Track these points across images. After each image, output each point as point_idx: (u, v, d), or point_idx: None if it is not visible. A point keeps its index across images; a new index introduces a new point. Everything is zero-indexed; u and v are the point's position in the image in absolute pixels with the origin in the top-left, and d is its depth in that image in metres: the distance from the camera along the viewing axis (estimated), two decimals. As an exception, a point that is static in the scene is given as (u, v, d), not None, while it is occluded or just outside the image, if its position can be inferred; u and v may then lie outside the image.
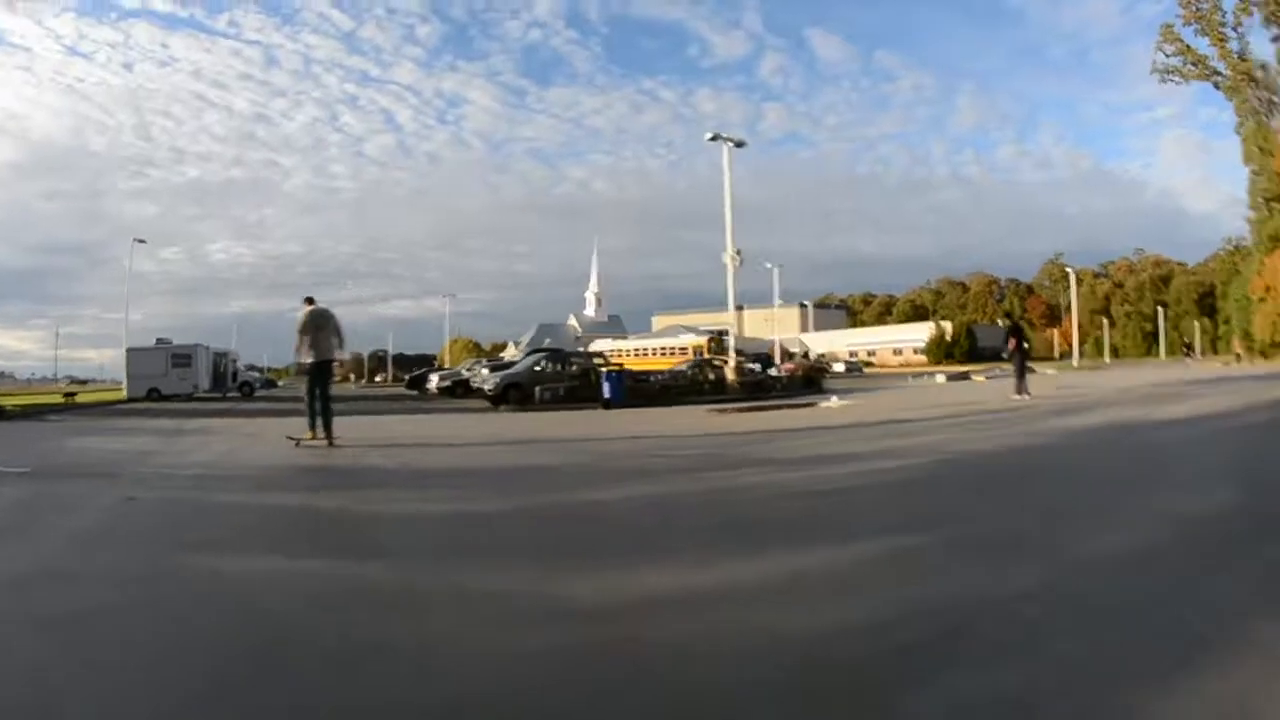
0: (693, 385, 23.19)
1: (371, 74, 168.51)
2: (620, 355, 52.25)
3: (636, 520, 4.84)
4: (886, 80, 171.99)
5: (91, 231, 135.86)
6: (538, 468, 8.05)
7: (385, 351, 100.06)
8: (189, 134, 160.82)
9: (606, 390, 19.29)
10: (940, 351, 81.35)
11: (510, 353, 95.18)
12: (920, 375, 44.68)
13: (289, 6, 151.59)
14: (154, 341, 37.88)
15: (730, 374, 24.65)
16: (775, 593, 3.06)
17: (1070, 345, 73.50)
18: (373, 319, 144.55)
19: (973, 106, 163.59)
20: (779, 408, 16.88)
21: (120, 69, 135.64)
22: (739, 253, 25.79)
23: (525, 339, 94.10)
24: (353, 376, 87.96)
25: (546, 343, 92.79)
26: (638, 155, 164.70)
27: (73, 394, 36.67)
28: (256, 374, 47.45)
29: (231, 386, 38.93)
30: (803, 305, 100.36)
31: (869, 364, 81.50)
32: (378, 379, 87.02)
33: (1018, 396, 15.45)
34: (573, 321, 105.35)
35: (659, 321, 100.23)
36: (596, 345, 60.64)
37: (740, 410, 16.16)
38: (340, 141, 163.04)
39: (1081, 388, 21.06)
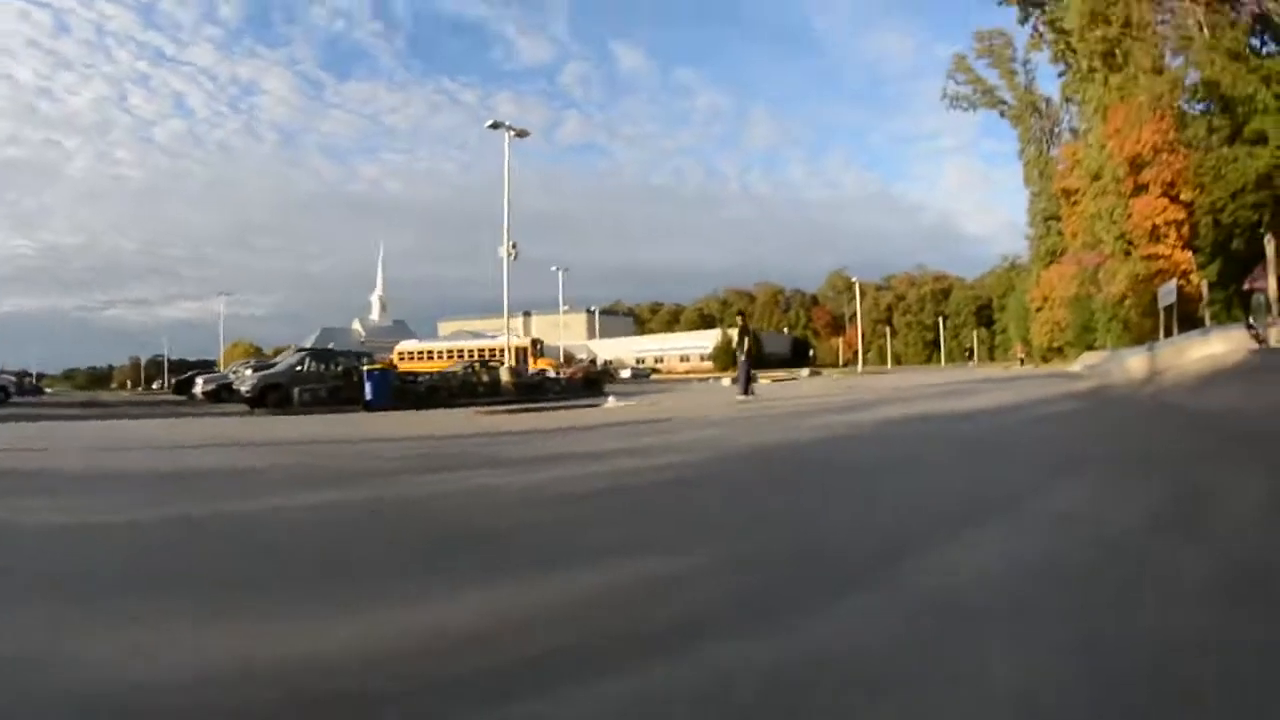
0: (464, 387, 22.47)
1: (167, 52, 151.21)
2: (429, 359, 49.62)
3: (317, 536, 3.95)
4: (685, 96, 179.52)
5: None
6: (231, 471, 7.06)
7: (163, 356, 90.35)
8: None
9: (369, 391, 18.15)
10: (727, 358, 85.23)
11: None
12: (706, 379, 46.58)
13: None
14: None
15: (505, 375, 24.18)
16: (481, 642, 2.20)
17: (855, 353, 79.58)
18: (156, 321, 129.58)
19: (767, 127, 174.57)
20: (551, 409, 16.63)
21: None
22: (515, 246, 25.42)
23: (307, 343, 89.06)
24: (129, 383, 78.50)
25: (330, 346, 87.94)
26: (433, 156, 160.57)
27: None
28: (11, 378, 40.33)
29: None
30: (590, 311, 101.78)
31: (656, 370, 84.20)
32: (154, 385, 78.26)
33: (744, 398, 16.19)
34: (357, 326, 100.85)
35: (444, 327, 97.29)
36: (405, 346, 56.82)
37: (510, 412, 15.71)
38: (129, 124, 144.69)
39: (872, 387, 22.61)
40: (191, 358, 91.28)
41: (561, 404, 19.02)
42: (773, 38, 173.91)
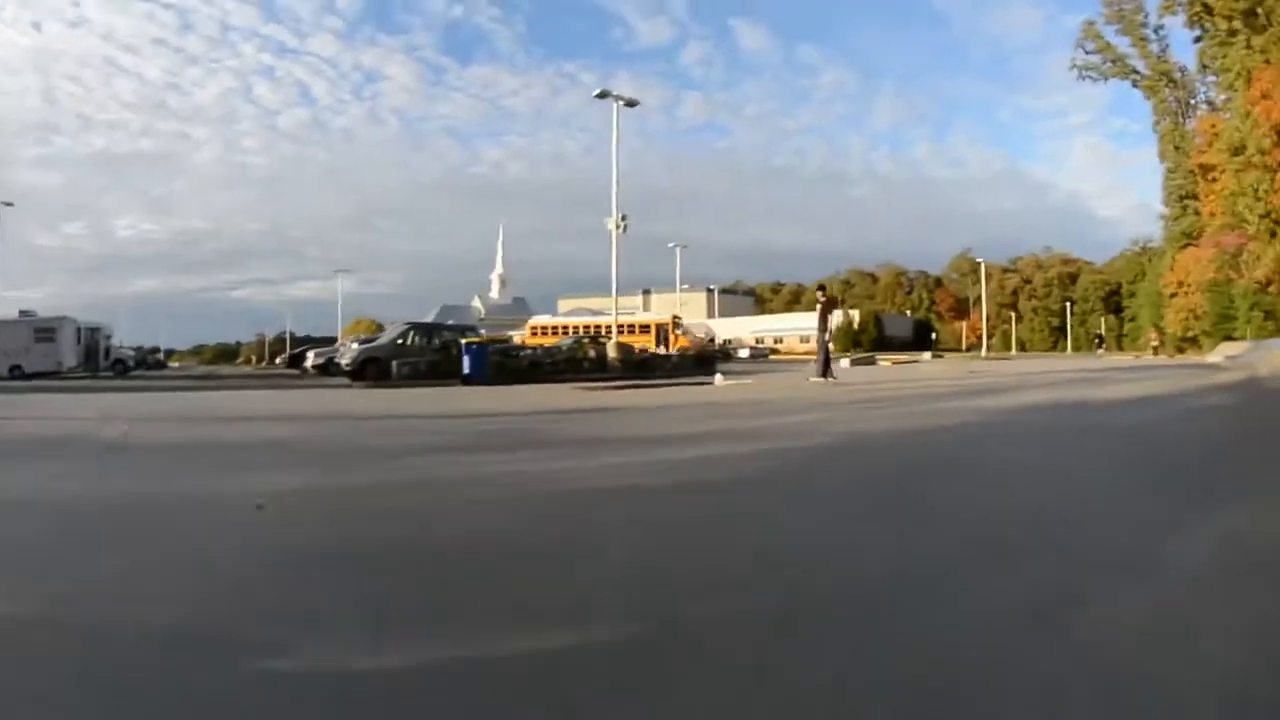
0: (570, 363, 21.64)
1: (289, 44, 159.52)
2: (560, 334, 49.33)
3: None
4: (808, 74, 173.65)
5: None
6: (252, 444, 6.42)
7: (285, 333, 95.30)
8: (98, 101, 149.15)
9: (466, 365, 17.55)
10: (847, 339, 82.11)
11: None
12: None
13: None
14: (16, 313, 33.69)
15: (612, 351, 23.20)
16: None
17: (978, 337, 75.11)
18: (281, 299, 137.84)
19: (891, 104, 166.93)
20: (653, 387, 15.54)
21: (28, 28, 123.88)
22: (624, 219, 24.34)
23: (426, 320, 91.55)
24: (254, 359, 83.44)
25: (449, 324, 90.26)
26: (555, 138, 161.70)
27: None
28: (130, 352, 43.38)
29: (105, 364, 35.33)
30: (709, 290, 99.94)
31: (775, 350, 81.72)
32: (276, 360, 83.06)
33: (820, 379, 14.59)
34: (477, 303, 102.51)
35: (564, 305, 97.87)
36: (538, 320, 56.23)
37: (607, 389, 14.70)
38: (254, 114, 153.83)
39: (995, 372, 20.72)
40: (315, 334, 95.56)
41: (667, 382, 17.83)
42: (895, 12, 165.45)
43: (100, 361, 35.00)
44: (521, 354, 21.22)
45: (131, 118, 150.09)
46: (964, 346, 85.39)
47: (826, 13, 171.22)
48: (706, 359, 29.47)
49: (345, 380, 19.97)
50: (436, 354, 19.68)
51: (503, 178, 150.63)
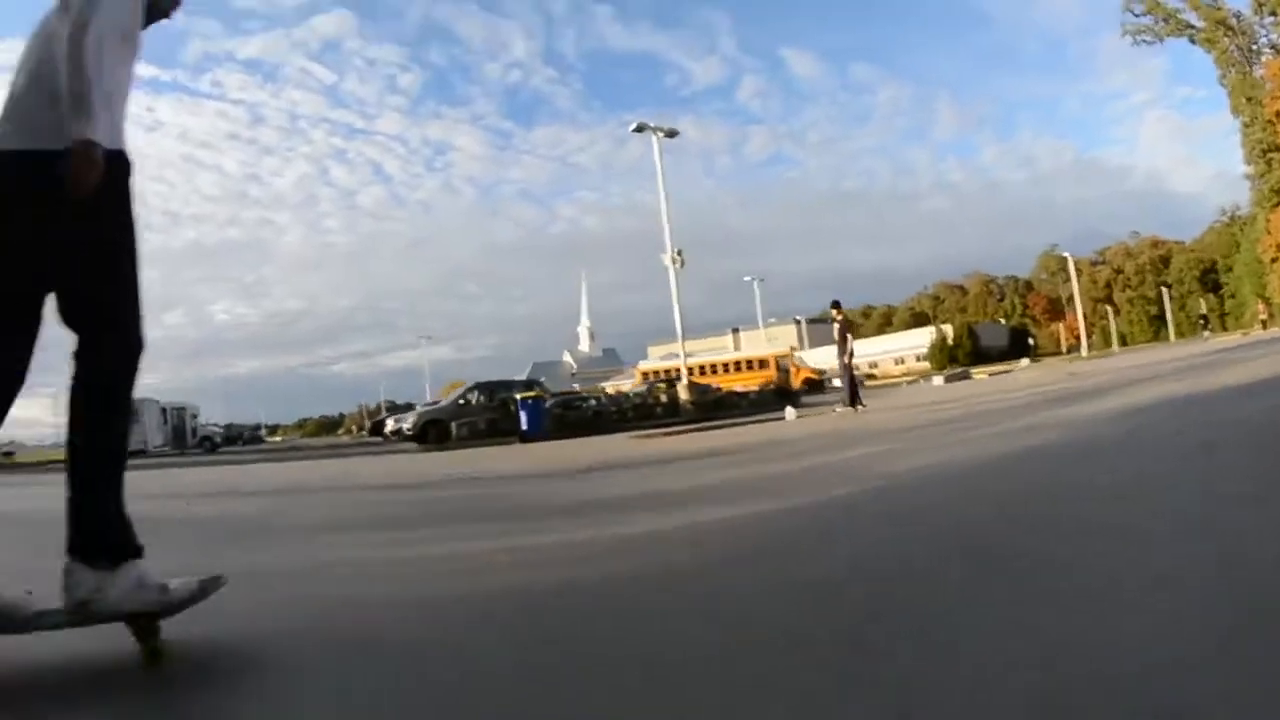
0: (640, 409, 20.65)
1: (357, 126, 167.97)
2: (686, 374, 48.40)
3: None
4: (864, 93, 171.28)
5: None
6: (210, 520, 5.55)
7: (381, 402, 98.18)
8: (182, 196, 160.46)
9: (523, 421, 16.82)
10: (943, 356, 78.24)
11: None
12: (916, 380, 42.08)
13: (269, 64, 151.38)
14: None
15: (683, 393, 22.09)
16: None
17: (1077, 337, 70.48)
18: (378, 370, 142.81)
19: (951, 112, 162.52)
20: (721, 427, 14.32)
21: None
22: (680, 253, 23.40)
23: (515, 379, 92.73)
24: (354, 428, 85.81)
25: (542, 381, 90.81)
26: (625, 189, 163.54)
27: (10, 453, 34.61)
28: (218, 429, 45.31)
29: (192, 442, 36.81)
30: (797, 321, 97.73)
31: (871, 375, 78.61)
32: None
33: (845, 409, 13.42)
34: (567, 358, 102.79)
35: (654, 351, 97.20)
36: (650, 365, 55.12)
37: (671, 434, 13.60)
38: (332, 195, 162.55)
39: (1097, 370, 19.08)
40: (414, 401, 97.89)
41: (735, 421, 16.56)
42: (940, 19, 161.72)
43: (188, 439, 36.37)
44: (586, 404, 20.46)
45: (216, 210, 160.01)
46: (1064, 349, 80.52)
47: (871, 30, 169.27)
48: (789, 392, 28.00)
49: (412, 444, 19.70)
50: (495, 412, 19.14)
51: (578, 232, 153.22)
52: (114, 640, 1.91)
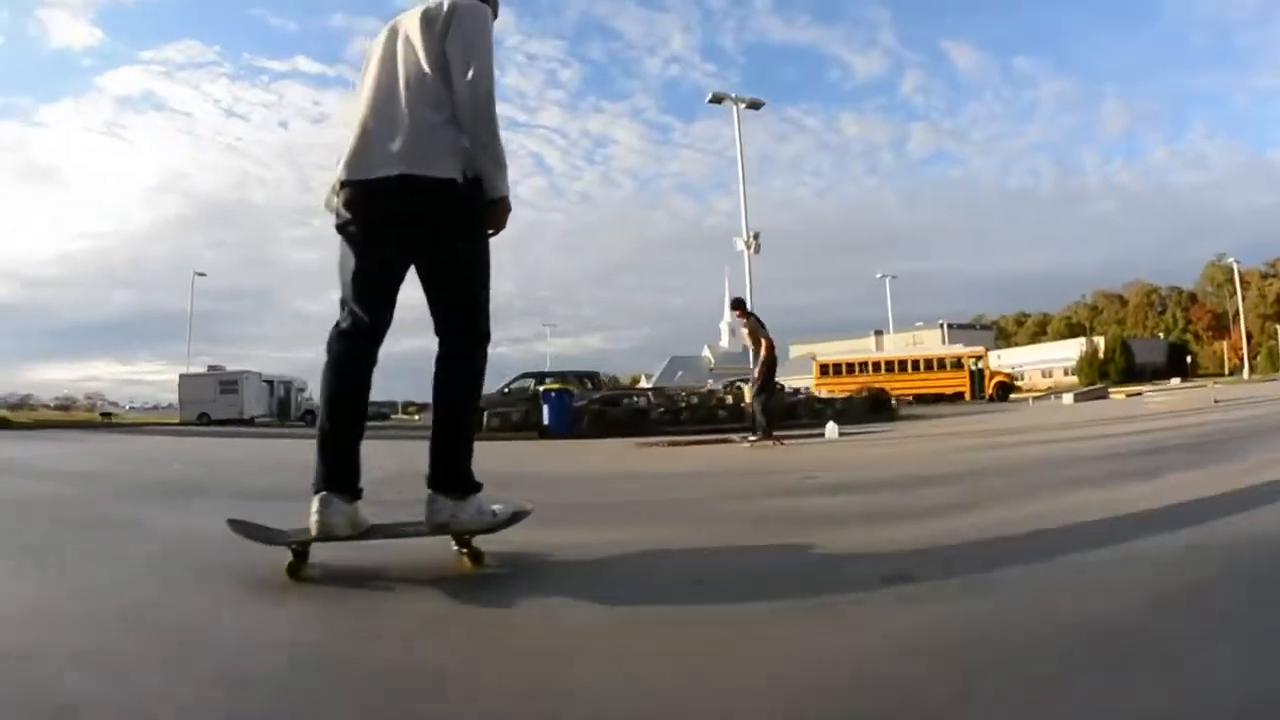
0: (696, 411, 18.92)
1: (519, 119, 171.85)
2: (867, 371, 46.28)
3: None
4: (1028, 87, 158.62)
5: (258, 277, 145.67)
6: None
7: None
8: None
9: (546, 416, 15.67)
10: (1093, 371, 70.65)
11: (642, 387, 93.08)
12: (1048, 396, 37.92)
13: None
14: (206, 368, 37.87)
15: (747, 394, 20.11)
16: None
17: (1240, 358, 61.94)
18: (531, 355, 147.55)
19: (1118, 109, 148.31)
20: (713, 443, 12.23)
21: (276, 127, 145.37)
22: (756, 237, 21.51)
23: (657, 373, 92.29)
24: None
25: (678, 376, 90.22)
26: (785, 185, 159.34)
27: (108, 415, 37.41)
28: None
29: (295, 414, 38.36)
30: (942, 326, 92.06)
31: (1015, 386, 71.76)
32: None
33: (752, 440, 10.52)
34: (706, 353, 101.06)
35: (795, 350, 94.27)
36: (828, 357, 53.46)
37: (676, 444, 11.87)
38: None
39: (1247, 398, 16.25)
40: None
41: (794, 434, 14.33)
42: (1103, 10, 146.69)
43: (291, 411, 37.77)
44: (629, 402, 18.95)
45: None
46: (1226, 369, 70.93)
47: (1032, 18, 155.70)
48: (882, 403, 25.29)
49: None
50: (529, 403, 18.11)
51: (736, 228, 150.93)
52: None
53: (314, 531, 2.46)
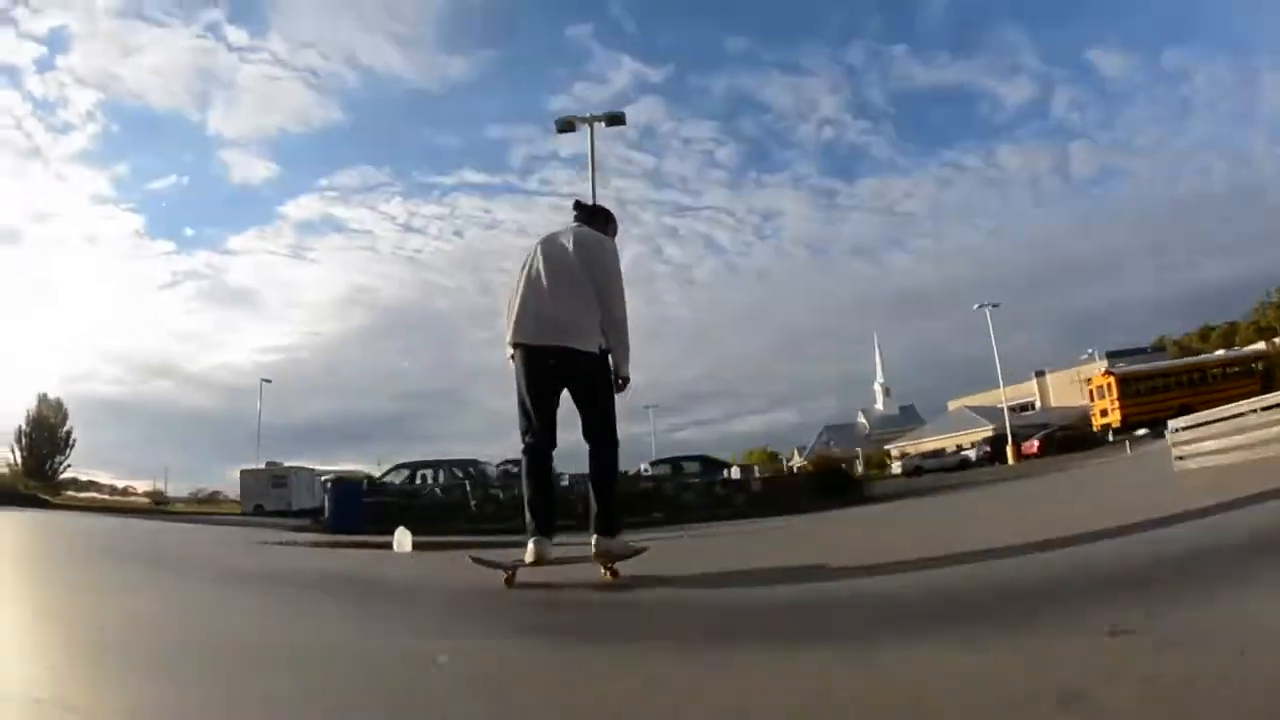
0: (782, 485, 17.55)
1: (684, 203, 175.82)
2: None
3: None
4: (1180, 81, 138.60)
5: (448, 378, 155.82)
6: None
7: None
8: None
9: (327, 509, 15.54)
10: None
11: (796, 461, 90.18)
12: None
13: (588, 157, 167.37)
14: (264, 464, 41.02)
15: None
16: None
17: None
18: (723, 436, 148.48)
19: (1276, 79, 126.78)
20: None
21: (452, 236, 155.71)
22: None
23: (808, 446, 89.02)
24: None
25: (830, 445, 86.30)
26: (957, 231, 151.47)
27: (163, 502, 41.38)
28: None
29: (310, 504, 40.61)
30: (1111, 355, 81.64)
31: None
32: None
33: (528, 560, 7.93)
34: (861, 419, 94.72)
35: (954, 404, 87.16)
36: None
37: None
38: (668, 272, 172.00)
39: None
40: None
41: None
42: None
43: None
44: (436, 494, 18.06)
45: None
46: None
47: (1170, 6, 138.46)
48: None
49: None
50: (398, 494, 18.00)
51: (914, 282, 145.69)
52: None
53: (529, 559, 3.97)
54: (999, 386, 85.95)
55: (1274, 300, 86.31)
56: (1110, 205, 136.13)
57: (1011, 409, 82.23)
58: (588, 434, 4.20)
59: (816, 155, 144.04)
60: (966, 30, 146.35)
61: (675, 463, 28.57)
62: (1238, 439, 8.49)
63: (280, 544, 10.59)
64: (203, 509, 39.97)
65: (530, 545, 4.02)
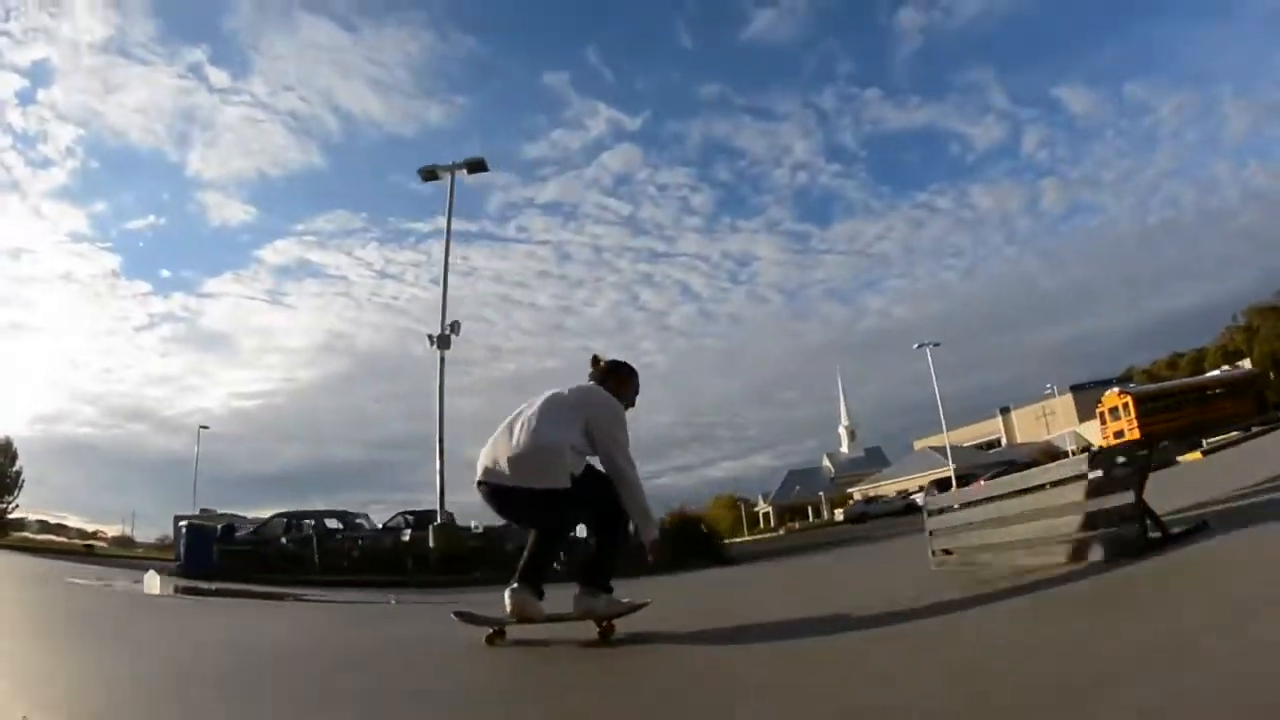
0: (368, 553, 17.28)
1: (659, 250, 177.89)
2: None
3: None
4: (1144, 112, 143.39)
5: (423, 426, 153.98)
6: None
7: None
8: (501, 332, 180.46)
9: (181, 552, 15.34)
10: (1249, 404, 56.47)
11: (760, 508, 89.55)
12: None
13: (567, 205, 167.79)
14: (199, 511, 40.37)
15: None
16: None
17: None
18: (701, 482, 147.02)
19: (1238, 108, 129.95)
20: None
21: (428, 284, 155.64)
22: (453, 328, 19.94)
23: (773, 491, 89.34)
24: None
25: (795, 491, 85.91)
26: (930, 271, 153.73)
27: (90, 547, 40.99)
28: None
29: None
30: (1075, 389, 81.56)
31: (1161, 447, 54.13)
32: None
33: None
34: (826, 463, 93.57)
35: (919, 444, 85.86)
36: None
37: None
38: (644, 318, 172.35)
39: None
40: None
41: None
42: (1198, 7, 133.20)
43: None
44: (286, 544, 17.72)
45: (533, 342, 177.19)
46: None
47: (1132, 41, 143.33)
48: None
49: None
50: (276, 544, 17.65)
51: (892, 324, 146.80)
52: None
53: (506, 609, 3.92)
54: (954, 427, 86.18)
55: (1239, 324, 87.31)
56: (1081, 239, 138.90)
57: (979, 446, 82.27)
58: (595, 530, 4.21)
59: (790, 199, 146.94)
60: (937, 72, 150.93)
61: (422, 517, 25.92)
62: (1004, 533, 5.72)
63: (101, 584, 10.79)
64: (133, 554, 39.64)
65: (507, 596, 3.92)
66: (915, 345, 58.81)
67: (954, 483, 45.13)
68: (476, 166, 20.72)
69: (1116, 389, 50.88)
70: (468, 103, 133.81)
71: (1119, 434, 41.76)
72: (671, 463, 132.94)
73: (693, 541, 16.88)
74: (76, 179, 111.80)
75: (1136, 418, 39.56)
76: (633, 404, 4.33)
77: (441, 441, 18.01)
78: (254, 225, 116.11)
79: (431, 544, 15.65)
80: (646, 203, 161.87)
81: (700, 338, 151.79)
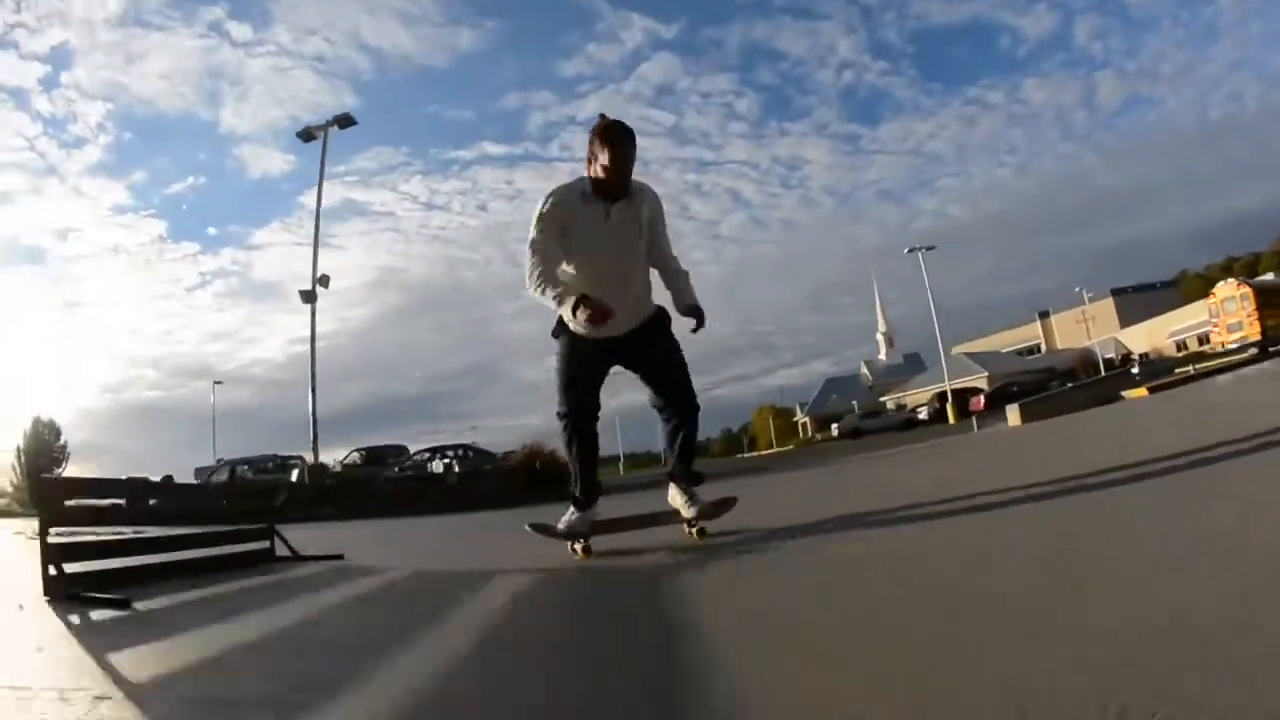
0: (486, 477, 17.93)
1: (706, 159, 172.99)
2: None
3: None
4: (1205, 2, 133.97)
5: (481, 352, 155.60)
6: None
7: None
8: None
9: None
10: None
11: (798, 418, 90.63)
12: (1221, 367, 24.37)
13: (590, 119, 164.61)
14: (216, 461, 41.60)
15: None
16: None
17: None
18: (760, 391, 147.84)
19: None
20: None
21: (475, 210, 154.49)
22: (323, 280, 21.41)
23: (811, 399, 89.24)
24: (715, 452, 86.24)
25: (831, 399, 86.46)
26: (984, 169, 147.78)
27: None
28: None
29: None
30: (1116, 293, 78.59)
31: (1200, 355, 40.84)
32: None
33: None
34: (864, 370, 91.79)
35: (955, 351, 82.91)
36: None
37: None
38: (695, 229, 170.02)
39: None
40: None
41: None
42: None
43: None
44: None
45: None
46: None
47: None
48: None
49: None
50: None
51: (947, 224, 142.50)
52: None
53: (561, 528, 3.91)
54: (995, 331, 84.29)
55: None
56: (1139, 134, 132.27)
57: (1019, 352, 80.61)
58: (668, 393, 4.04)
59: (837, 100, 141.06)
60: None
61: (374, 452, 27.31)
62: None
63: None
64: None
65: (574, 516, 3.96)
66: (906, 250, 55.09)
67: (949, 397, 44.24)
68: (346, 121, 22.71)
69: (1233, 280, 47.33)
70: (498, 25, 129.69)
71: (1233, 325, 40.58)
72: (729, 373, 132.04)
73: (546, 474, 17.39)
74: (111, 153, 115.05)
75: (1257, 309, 37.95)
76: (599, 175, 3.79)
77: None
78: (295, 173, 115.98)
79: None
80: (690, 111, 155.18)
81: (753, 245, 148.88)
